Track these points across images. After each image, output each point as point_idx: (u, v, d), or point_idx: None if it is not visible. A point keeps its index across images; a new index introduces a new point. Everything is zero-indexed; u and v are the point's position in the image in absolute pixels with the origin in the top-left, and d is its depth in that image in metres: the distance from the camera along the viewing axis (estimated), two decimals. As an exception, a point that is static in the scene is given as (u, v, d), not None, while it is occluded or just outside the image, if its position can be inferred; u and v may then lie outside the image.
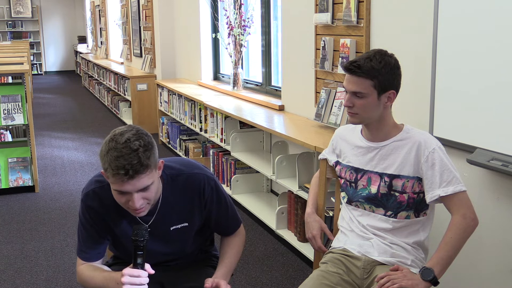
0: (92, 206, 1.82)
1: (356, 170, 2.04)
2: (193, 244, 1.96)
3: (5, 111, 4.81)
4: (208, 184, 1.88)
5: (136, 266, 1.70)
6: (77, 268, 1.92)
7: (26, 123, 4.90)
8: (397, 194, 1.95)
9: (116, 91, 8.82)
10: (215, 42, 6.08)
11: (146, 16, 7.79)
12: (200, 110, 5.12)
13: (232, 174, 4.43)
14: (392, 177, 1.95)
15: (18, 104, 4.86)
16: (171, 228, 1.87)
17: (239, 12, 5.02)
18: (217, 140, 4.74)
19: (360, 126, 2.08)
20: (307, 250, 3.31)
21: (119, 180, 1.61)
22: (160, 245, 1.85)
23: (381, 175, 1.97)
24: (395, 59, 1.93)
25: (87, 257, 1.89)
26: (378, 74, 1.88)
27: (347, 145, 2.10)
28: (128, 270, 1.68)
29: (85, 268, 1.88)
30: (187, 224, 1.89)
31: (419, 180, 1.93)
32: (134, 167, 1.59)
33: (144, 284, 1.68)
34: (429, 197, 1.90)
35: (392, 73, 1.91)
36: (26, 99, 4.89)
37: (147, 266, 1.71)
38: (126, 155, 1.59)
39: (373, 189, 1.98)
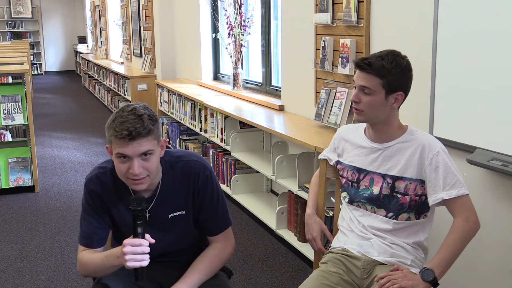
0: (95, 190, 1.87)
1: (359, 170, 2.04)
2: (191, 237, 1.96)
3: (5, 111, 4.81)
4: (203, 172, 1.90)
5: (136, 236, 1.71)
6: (78, 256, 1.92)
7: (26, 123, 4.91)
8: (399, 196, 1.94)
9: (116, 91, 8.82)
10: (215, 42, 6.08)
11: (146, 16, 7.79)
12: (200, 110, 5.12)
13: (232, 174, 4.43)
14: (395, 178, 1.95)
15: (18, 104, 4.86)
16: (169, 216, 1.89)
17: (239, 12, 5.02)
18: (217, 140, 4.74)
19: (363, 126, 2.08)
20: (307, 250, 3.30)
21: (122, 142, 1.68)
22: (160, 234, 1.85)
23: (384, 176, 1.97)
24: (407, 61, 1.93)
25: (88, 243, 1.90)
26: (387, 73, 1.88)
27: (350, 145, 2.10)
28: (129, 240, 1.70)
29: (85, 253, 1.89)
30: (184, 212, 1.91)
31: (422, 182, 1.92)
32: (137, 129, 1.68)
33: (145, 253, 1.70)
34: (431, 200, 1.90)
35: (402, 75, 1.91)
36: (26, 99, 4.89)
37: (147, 236, 1.72)
38: (131, 120, 1.69)
39: (375, 190, 1.98)
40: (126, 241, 1.70)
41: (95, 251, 1.90)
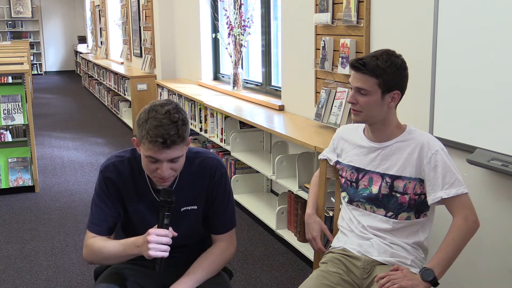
0: (110, 178, 1.88)
1: (358, 169, 2.04)
2: (197, 234, 1.98)
3: (5, 111, 4.81)
4: (220, 170, 1.94)
5: (162, 226, 1.73)
6: (85, 242, 1.91)
7: (26, 123, 4.91)
8: (398, 195, 1.94)
9: (116, 91, 8.82)
10: (215, 42, 6.08)
11: (146, 16, 7.79)
12: (200, 110, 5.12)
13: (232, 174, 4.43)
14: (394, 178, 1.95)
15: (18, 104, 4.86)
16: (182, 209, 1.91)
17: (239, 12, 5.02)
18: (217, 140, 4.74)
19: (362, 126, 2.08)
20: (307, 250, 3.30)
21: (155, 148, 1.69)
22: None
23: (382, 175, 1.97)
24: (402, 60, 1.93)
25: (98, 230, 1.90)
26: (383, 73, 1.88)
27: (349, 144, 2.10)
28: (154, 230, 1.72)
29: (95, 239, 1.88)
30: (196, 207, 1.93)
31: (421, 181, 1.92)
32: (172, 137, 1.67)
33: (169, 245, 1.72)
34: (431, 199, 1.90)
35: (398, 74, 1.91)
36: (26, 99, 4.89)
37: (170, 229, 1.75)
38: (166, 125, 1.67)
39: (374, 190, 1.98)
40: (151, 230, 1.72)
41: (106, 238, 1.89)
